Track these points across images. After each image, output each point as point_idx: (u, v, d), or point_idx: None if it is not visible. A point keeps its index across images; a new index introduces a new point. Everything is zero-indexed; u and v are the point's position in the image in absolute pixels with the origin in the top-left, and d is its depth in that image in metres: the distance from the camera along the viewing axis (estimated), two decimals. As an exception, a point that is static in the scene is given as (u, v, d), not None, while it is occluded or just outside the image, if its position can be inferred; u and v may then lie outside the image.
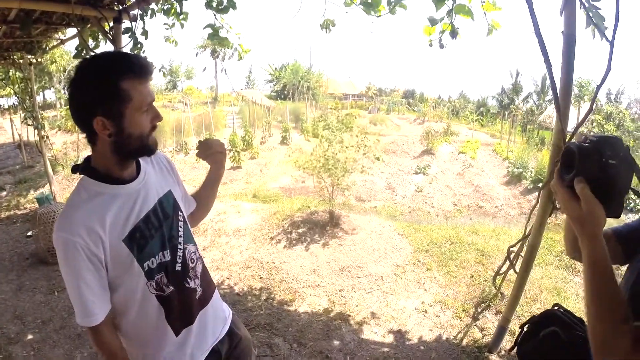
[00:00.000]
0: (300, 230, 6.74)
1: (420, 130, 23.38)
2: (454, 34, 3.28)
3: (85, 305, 1.44)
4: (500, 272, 4.49)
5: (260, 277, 5.64)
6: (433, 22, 3.34)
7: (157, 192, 1.64)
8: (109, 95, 1.37)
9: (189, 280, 1.69)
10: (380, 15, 3.73)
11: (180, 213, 1.72)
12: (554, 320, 1.54)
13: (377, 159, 8.40)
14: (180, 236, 1.68)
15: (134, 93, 1.39)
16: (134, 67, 1.40)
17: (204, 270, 1.83)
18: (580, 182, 1.09)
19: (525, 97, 41.41)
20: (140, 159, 1.63)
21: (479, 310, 4.60)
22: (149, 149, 1.53)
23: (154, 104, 1.52)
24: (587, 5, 2.64)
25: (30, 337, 4.56)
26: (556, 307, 1.61)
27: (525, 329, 1.65)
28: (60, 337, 4.50)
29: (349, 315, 4.65)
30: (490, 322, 4.37)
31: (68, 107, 1.62)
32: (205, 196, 2.08)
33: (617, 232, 1.34)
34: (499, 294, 4.65)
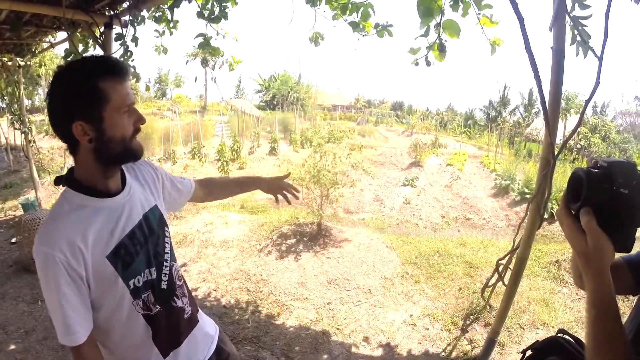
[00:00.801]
0: (288, 242, 6.70)
1: (408, 142, 23.47)
2: (442, 49, 3.25)
3: (66, 323, 1.37)
4: (489, 284, 4.47)
5: (248, 290, 5.58)
6: (413, 52, 3.34)
7: (143, 207, 1.58)
8: (87, 97, 1.33)
9: (176, 300, 1.65)
10: (366, 35, 3.78)
11: (166, 228, 1.67)
12: (557, 349, 1.47)
13: (365, 172, 8.40)
14: (167, 253, 1.63)
15: (112, 93, 1.34)
16: (111, 67, 1.37)
17: (188, 289, 1.79)
18: (586, 214, 1.02)
19: (512, 110, 41.84)
20: (125, 173, 1.58)
21: (468, 322, 4.60)
22: (133, 153, 1.46)
23: (143, 112, 1.49)
24: (572, 23, 2.65)
25: (12, 347, 4.50)
26: (560, 334, 1.53)
27: (527, 354, 1.60)
28: (44, 348, 4.44)
29: (337, 329, 4.61)
30: (479, 334, 4.37)
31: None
32: (232, 187, 2.27)
33: (629, 260, 1.28)
34: (488, 306, 4.65)
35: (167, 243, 1.65)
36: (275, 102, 47.56)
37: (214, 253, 6.67)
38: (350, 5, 3.79)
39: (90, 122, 1.34)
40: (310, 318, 4.87)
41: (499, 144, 21.55)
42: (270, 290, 5.51)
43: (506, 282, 3.62)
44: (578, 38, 2.67)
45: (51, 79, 1.38)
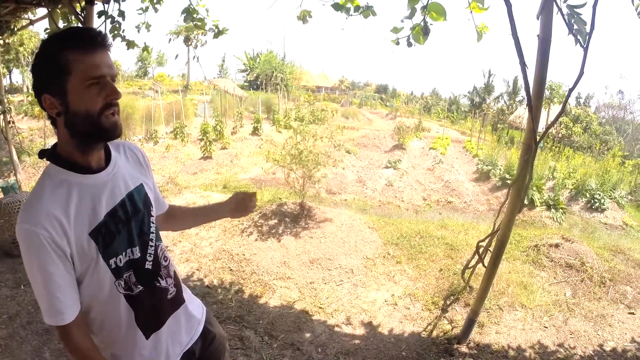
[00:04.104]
0: (270, 222, 6.71)
1: (392, 125, 23.50)
2: (426, 31, 3.22)
3: (51, 303, 1.35)
4: (469, 265, 4.54)
5: (230, 269, 5.60)
6: (396, 31, 3.32)
7: (127, 185, 1.54)
8: (49, 69, 1.31)
9: (160, 280, 1.61)
10: (349, 16, 3.75)
11: (151, 209, 1.63)
12: None
13: (348, 152, 8.41)
14: (152, 232, 1.60)
15: (74, 65, 1.29)
16: (75, 38, 1.33)
17: (174, 269, 1.74)
18: None
19: (496, 97, 42.03)
20: (111, 149, 1.54)
21: (448, 302, 4.68)
22: (104, 131, 1.39)
23: (124, 91, 1.45)
24: (568, 11, 2.65)
25: None
26: None
27: None
28: (28, 333, 4.40)
29: (320, 308, 4.66)
30: (459, 314, 4.46)
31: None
32: (191, 219, 2.11)
33: None
34: (468, 287, 4.70)
35: (153, 223, 1.62)
36: (258, 82, 47.04)
37: (196, 233, 6.66)
38: None
39: (56, 95, 1.32)
40: (293, 297, 4.91)
41: (482, 130, 21.67)
42: (253, 269, 5.54)
43: (486, 264, 3.68)
44: (575, 27, 2.66)
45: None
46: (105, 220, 1.42)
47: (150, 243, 1.58)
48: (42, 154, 1.45)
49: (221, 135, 16.47)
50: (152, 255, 1.58)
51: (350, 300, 4.81)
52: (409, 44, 3.36)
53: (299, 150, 6.83)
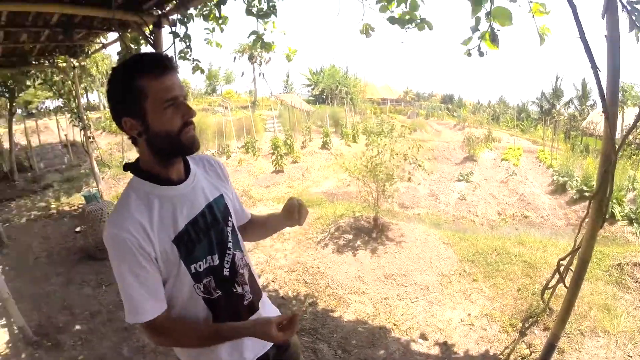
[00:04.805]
0: (345, 236, 6.75)
1: (460, 136, 23.12)
2: (494, 38, 3.14)
3: (136, 302, 1.47)
4: (549, 286, 4.40)
5: (305, 282, 5.69)
6: (474, 29, 3.22)
7: (207, 197, 1.65)
8: (127, 94, 1.42)
9: (236, 286, 1.70)
10: (407, 29, 3.75)
11: (230, 219, 1.72)
12: None
13: (420, 165, 8.31)
14: (230, 241, 1.69)
15: (150, 89, 1.41)
16: (148, 63, 1.44)
17: (252, 276, 1.82)
18: None
19: (566, 102, 40.33)
20: (190, 163, 1.66)
21: (527, 325, 4.51)
22: (184, 148, 1.52)
23: (195, 108, 1.54)
24: (629, 8, 2.54)
25: (78, 327, 4.78)
26: None
27: None
28: (108, 330, 4.68)
29: (395, 324, 4.65)
30: (538, 338, 4.29)
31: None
32: (261, 230, 2.09)
33: None
34: (547, 309, 4.55)
35: (230, 233, 1.70)
36: (324, 96, 47.49)
37: (271, 245, 6.80)
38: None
39: (136, 117, 1.44)
40: (367, 312, 4.93)
41: (554, 138, 20.82)
42: (327, 283, 5.61)
43: (567, 284, 3.54)
44: (637, 24, 2.56)
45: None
46: (187, 229, 1.54)
47: (228, 252, 1.67)
48: (127, 167, 1.59)
49: (291, 149, 16.69)
50: (229, 263, 1.67)
51: (425, 318, 4.76)
52: (481, 54, 3.31)
53: (374, 163, 6.83)
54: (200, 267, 1.57)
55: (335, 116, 27.16)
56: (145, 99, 1.40)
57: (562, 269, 3.78)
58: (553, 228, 9.96)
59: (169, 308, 1.57)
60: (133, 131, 1.47)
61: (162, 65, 1.44)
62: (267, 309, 1.89)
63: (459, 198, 11.70)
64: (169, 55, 1.51)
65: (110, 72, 1.48)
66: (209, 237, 1.61)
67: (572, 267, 3.48)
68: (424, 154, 16.67)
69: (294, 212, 1.81)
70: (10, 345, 4.55)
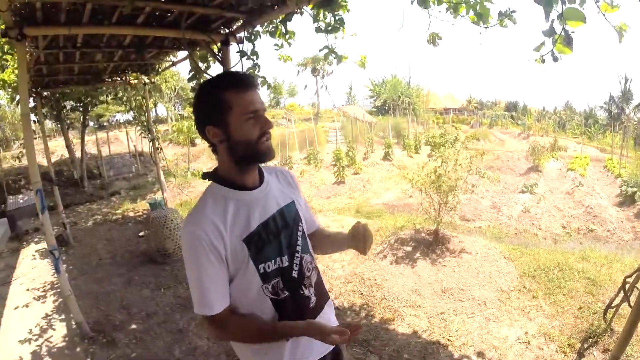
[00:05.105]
0: (404, 248, 6.73)
1: (525, 145, 22.54)
2: (569, 41, 3.05)
3: (203, 295, 1.62)
4: (612, 304, 4.25)
5: (361, 293, 5.72)
6: (549, 33, 3.13)
7: (278, 202, 1.78)
8: (214, 106, 1.60)
9: (303, 288, 1.79)
10: (488, 27, 3.69)
11: (300, 224, 1.84)
12: None
13: (482, 176, 8.16)
14: (299, 245, 1.80)
15: (234, 102, 1.58)
16: (233, 80, 1.63)
17: (319, 280, 1.92)
18: None
19: (636, 106, 38.27)
20: (264, 171, 1.81)
21: (586, 346, 4.34)
22: (261, 155, 1.67)
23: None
24: None
25: (134, 326, 5.04)
26: None
27: None
28: (162, 331, 4.90)
29: (449, 340, 4.60)
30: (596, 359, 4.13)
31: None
32: (326, 246, 2.10)
33: None
34: (609, 330, 4.37)
35: (300, 237, 1.82)
36: (386, 107, 47.46)
37: (329, 256, 6.85)
38: (463, 4, 3.72)
39: (219, 126, 1.62)
40: (421, 326, 4.89)
41: (623, 146, 19.91)
42: (383, 295, 5.62)
43: (632, 304, 3.41)
44: None
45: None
46: (258, 230, 1.68)
47: (297, 254, 1.79)
48: (205, 176, 1.78)
49: (353, 161, 16.86)
50: (297, 265, 1.78)
51: (480, 335, 4.67)
52: (555, 59, 3.21)
53: (437, 174, 6.79)
54: (269, 268, 1.69)
55: (398, 127, 27.16)
56: (230, 111, 1.58)
57: (627, 287, 3.66)
58: (619, 242, 9.53)
59: (236, 307, 1.71)
60: (215, 139, 1.64)
61: (245, 82, 1.62)
62: (329, 316, 1.98)
63: (522, 210, 11.37)
64: (252, 74, 1.69)
65: (199, 86, 1.72)
66: (279, 239, 1.73)
67: (638, 285, 3.36)
68: (487, 164, 16.39)
69: (359, 240, 1.87)
70: (67, 339, 4.87)
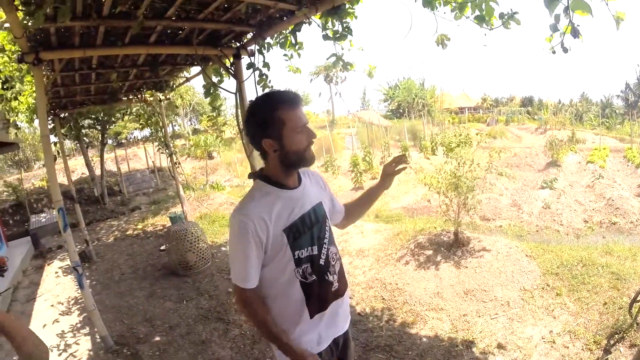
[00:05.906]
0: (424, 252, 6.69)
1: (542, 140, 22.30)
2: (575, 33, 3.06)
3: (246, 271, 1.92)
4: (638, 298, 4.20)
5: (383, 298, 5.72)
6: (554, 28, 3.15)
7: (312, 201, 2.10)
8: (270, 122, 1.88)
9: (328, 275, 2.11)
10: (492, 28, 3.68)
11: (327, 221, 2.17)
12: None
13: (501, 174, 8.06)
14: (326, 238, 2.13)
15: (287, 119, 1.87)
16: (285, 100, 1.90)
17: (341, 269, 2.24)
18: None
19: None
20: (301, 174, 2.12)
21: (612, 342, 4.27)
22: (307, 161, 1.96)
23: None
24: None
25: (157, 338, 5.11)
26: None
27: None
28: (186, 342, 4.96)
29: (472, 342, 4.57)
30: (623, 356, 4.04)
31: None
32: (359, 209, 2.54)
33: None
34: (635, 324, 4.30)
35: (327, 231, 2.15)
36: (401, 110, 47.40)
37: (350, 262, 6.89)
38: (469, 4, 3.72)
39: (274, 139, 1.90)
40: (444, 329, 4.88)
41: (641, 134, 19.59)
42: (405, 299, 5.60)
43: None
44: None
45: (247, 108, 1.99)
46: (296, 223, 2.00)
47: (324, 245, 2.12)
48: (252, 175, 2.15)
49: (370, 165, 16.93)
50: (324, 255, 2.10)
51: (504, 336, 4.62)
52: (565, 50, 3.22)
53: (456, 176, 6.76)
54: (302, 254, 2.01)
55: (413, 129, 27.22)
56: (284, 126, 1.88)
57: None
58: (643, 234, 9.38)
59: (270, 287, 2.04)
60: (271, 149, 1.93)
61: (295, 100, 1.92)
62: (347, 302, 2.31)
63: (543, 207, 11.27)
64: (298, 93, 1.98)
65: (252, 104, 2.00)
66: (312, 231, 2.06)
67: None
68: (505, 161, 16.24)
69: (393, 175, 2.37)
70: (91, 352, 4.97)
